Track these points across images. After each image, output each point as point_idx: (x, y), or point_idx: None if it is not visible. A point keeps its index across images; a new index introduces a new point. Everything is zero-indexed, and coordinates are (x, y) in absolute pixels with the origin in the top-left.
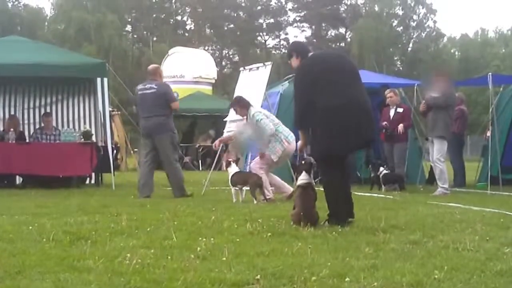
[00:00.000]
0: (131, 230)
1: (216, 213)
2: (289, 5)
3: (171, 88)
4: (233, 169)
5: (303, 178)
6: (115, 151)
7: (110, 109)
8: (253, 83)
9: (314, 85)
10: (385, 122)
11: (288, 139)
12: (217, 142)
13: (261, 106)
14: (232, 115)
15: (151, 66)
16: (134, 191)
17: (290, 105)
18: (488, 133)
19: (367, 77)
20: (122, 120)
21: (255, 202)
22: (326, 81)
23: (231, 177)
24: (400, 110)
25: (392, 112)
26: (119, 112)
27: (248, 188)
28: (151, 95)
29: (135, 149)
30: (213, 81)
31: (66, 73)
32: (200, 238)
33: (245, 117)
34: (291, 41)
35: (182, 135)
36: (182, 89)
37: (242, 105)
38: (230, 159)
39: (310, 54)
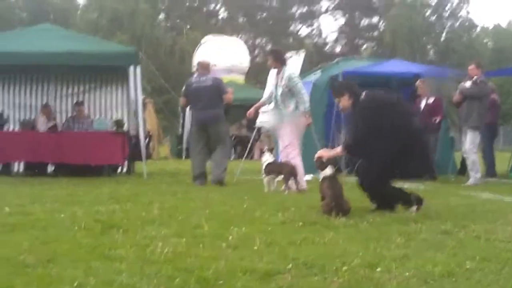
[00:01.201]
0: (163, 219)
1: (247, 202)
2: None
3: (223, 81)
4: (267, 158)
5: (328, 171)
6: (147, 140)
7: (143, 97)
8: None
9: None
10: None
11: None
12: (251, 110)
13: None
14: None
15: (203, 61)
16: (166, 179)
17: (323, 94)
18: None
19: (400, 66)
20: (154, 109)
21: (286, 192)
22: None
23: (265, 166)
24: (430, 101)
25: (423, 103)
26: (151, 101)
27: (280, 177)
28: (206, 88)
29: (167, 138)
30: (246, 70)
31: (99, 62)
32: (231, 227)
33: (276, 69)
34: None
35: None
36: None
37: (277, 58)
38: (264, 149)
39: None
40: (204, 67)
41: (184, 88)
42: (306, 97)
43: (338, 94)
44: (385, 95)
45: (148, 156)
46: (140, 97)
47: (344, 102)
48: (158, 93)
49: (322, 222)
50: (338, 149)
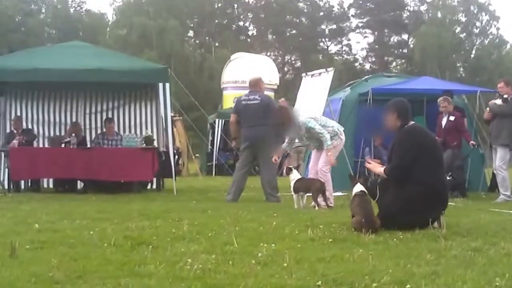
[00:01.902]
0: (192, 235)
1: (277, 219)
2: (352, 11)
3: (273, 100)
4: (295, 175)
5: (359, 188)
6: (176, 157)
7: (172, 114)
8: (315, 89)
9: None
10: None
11: (341, 132)
12: (275, 156)
13: (323, 113)
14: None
15: (253, 78)
16: (196, 196)
17: (352, 111)
18: None
19: (430, 83)
20: (184, 125)
21: (316, 208)
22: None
23: (294, 183)
24: (452, 118)
25: (444, 121)
26: (180, 118)
27: (309, 194)
28: (255, 105)
29: (197, 155)
30: (275, 87)
31: (128, 79)
32: (261, 244)
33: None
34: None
35: None
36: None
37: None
38: (291, 166)
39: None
40: (254, 84)
41: (234, 105)
42: (327, 135)
43: (390, 110)
44: (428, 135)
45: (178, 173)
46: (170, 114)
47: (391, 120)
48: (187, 110)
49: (352, 239)
50: (382, 169)
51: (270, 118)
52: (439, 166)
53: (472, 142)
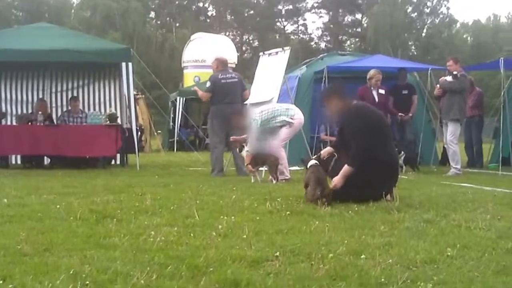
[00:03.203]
0: (155, 209)
1: (236, 193)
2: None
3: None
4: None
5: (313, 161)
6: (139, 133)
7: (135, 92)
8: (272, 67)
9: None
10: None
11: (293, 115)
12: (232, 138)
13: (280, 90)
14: (252, 98)
15: (223, 58)
16: (158, 171)
17: (308, 89)
18: None
19: (383, 61)
20: (146, 103)
21: (274, 182)
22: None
23: (250, 158)
24: (382, 91)
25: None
26: (143, 96)
27: (265, 168)
28: (234, 83)
29: (159, 131)
30: (234, 65)
31: (93, 58)
32: (221, 217)
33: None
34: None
35: (204, 118)
36: (204, 73)
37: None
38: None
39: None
40: (225, 64)
41: (210, 84)
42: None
43: (328, 96)
44: (374, 110)
45: (141, 149)
46: (132, 93)
47: (334, 104)
48: (149, 88)
49: (309, 212)
50: (345, 168)
51: (243, 96)
52: (389, 140)
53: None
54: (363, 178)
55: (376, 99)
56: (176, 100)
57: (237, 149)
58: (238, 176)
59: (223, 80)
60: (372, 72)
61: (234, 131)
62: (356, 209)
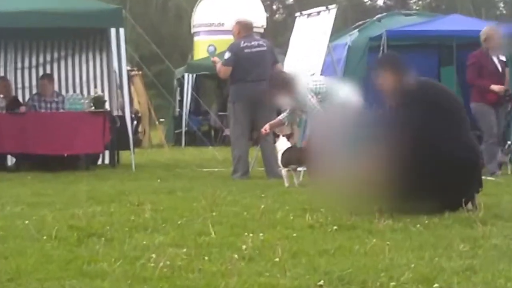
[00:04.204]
0: (157, 224)
1: (266, 201)
2: None
3: None
4: (282, 145)
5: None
6: (135, 122)
7: (129, 68)
8: (312, 32)
9: None
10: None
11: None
12: (266, 126)
13: (324, 62)
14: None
15: (247, 20)
16: (160, 173)
17: (361, 60)
18: None
19: (461, 23)
20: (144, 82)
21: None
22: None
23: (281, 155)
24: (503, 58)
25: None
26: (139, 72)
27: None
28: (261, 53)
29: (161, 120)
30: (262, 30)
31: (72, 23)
32: (245, 234)
33: None
34: None
35: (222, 101)
36: (221, 40)
37: None
38: (280, 133)
39: None
40: (250, 28)
41: (231, 55)
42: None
43: (384, 67)
44: (444, 90)
45: (137, 143)
46: (125, 68)
47: (391, 79)
48: (148, 62)
49: (363, 226)
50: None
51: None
52: (464, 131)
53: None
54: (433, 181)
55: (500, 68)
56: (183, 77)
57: (268, 141)
58: (269, 179)
59: (247, 50)
60: (488, 30)
61: (263, 117)
62: (427, 222)
